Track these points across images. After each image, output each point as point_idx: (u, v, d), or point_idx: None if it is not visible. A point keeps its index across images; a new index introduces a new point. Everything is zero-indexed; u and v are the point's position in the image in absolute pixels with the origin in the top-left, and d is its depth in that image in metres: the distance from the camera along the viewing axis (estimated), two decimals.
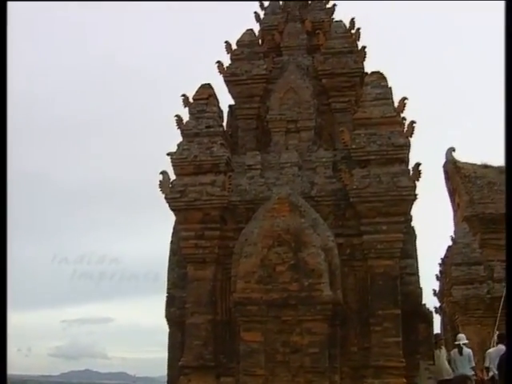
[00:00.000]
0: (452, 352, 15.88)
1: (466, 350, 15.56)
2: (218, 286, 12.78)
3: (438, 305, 24.14)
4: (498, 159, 24.03)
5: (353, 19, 15.42)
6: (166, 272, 13.71)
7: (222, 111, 14.02)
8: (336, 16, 16.06)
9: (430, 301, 22.83)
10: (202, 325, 12.52)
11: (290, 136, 13.76)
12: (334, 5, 16.35)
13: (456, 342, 15.97)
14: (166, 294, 13.54)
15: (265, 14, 16.36)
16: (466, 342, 15.92)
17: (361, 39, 15.18)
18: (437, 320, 23.51)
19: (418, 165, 12.32)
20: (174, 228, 13.66)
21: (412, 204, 12.37)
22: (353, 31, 15.28)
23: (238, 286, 11.96)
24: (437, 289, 24.15)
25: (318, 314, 11.63)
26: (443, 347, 15.73)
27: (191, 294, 12.68)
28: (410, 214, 12.72)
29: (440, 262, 23.53)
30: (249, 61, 15.00)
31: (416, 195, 12.24)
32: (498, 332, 16.61)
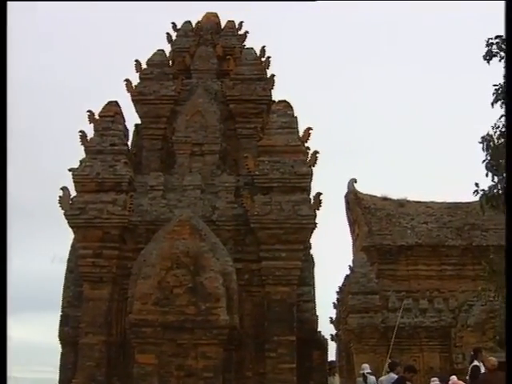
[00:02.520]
0: (357, 380, 16.25)
1: (371, 378, 15.95)
2: (114, 306, 12.59)
3: (334, 332, 24.47)
4: (397, 192, 24.72)
5: (263, 47, 15.66)
6: (62, 290, 13.43)
7: (127, 130, 13.92)
8: (247, 43, 16.26)
9: (327, 328, 23.18)
10: (95, 346, 12.28)
11: (194, 159, 13.77)
12: (246, 32, 16.56)
13: (361, 371, 16.32)
14: (60, 313, 13.25)
15: (177, 36, 16.39)
16: (370, 371, 16.28)
17: (270, 67, 15.43)
18: (332, 347, 23.91)
19: (318, 194, 12.55)
20: (72, 245, 13.41)
21: (312, 232, 12.58)
22: (263, 59, 15.50)
23: (134, 307, 11.80)
24: (333, 316, 24.49)
25: (213, 338, 11.60)
26: (337, 374, 16.03)
27: (86, 314, 12.44)
28: (309, 242, 12.93)
29: (338, 290, 23.89)
30: (158, 81, 14.97)
31: (316, 224, 12.46)
32: (390, 360, 16.98)
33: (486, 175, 9.02)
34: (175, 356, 11.62)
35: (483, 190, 8.89)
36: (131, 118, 14.71)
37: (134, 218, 12.73)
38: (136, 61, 15.24)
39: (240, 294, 12.26)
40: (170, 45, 16.24)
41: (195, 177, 13.28)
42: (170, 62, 15.72)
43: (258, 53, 15.58)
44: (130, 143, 14.04)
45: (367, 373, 16.08)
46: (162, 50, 15.65)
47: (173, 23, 16.52)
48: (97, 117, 13.50)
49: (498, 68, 9.45)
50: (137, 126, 15.09)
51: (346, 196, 24.75)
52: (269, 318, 12.27)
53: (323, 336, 13.57)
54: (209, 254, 11.91)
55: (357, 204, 23.73)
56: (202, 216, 12.67)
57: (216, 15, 16.98)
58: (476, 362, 13.66)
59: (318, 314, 13.13)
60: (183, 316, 11.63)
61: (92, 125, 13.45)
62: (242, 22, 16.70)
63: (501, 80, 9.41)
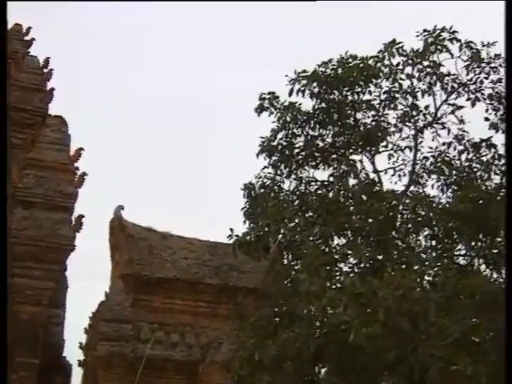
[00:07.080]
0: None
1: None
2: None
3: (83, 358, 23.93)
4: (163, 225, 24.89)
5: (48, 58, 15.21)
6: None
7: None
8: (33, 51, 15.70)
9: (76, 354, 22.61)
10: None
11: None
12: (33, 39, 15.98)
13: None
14: None
15: None
16: None
17: (51, 80, 15.02)
18: (80, 374, 23.34)
19: (80, 216, 12.39)
20: None
21: (69, 254, 12.33)
22: (45, 70, 15.06)
23: None
24: (84, 342, 23.96)
25: None
26: None
27: None
28: (65, 263, 12.65)
29: (91, 315, 23.43)
30: None
31: (74, 246, 12.24)
32: None
33: (244, 222, 9.36)
34: None
35: (237, 235, 9.20)
36: None
37: None
38: None
39: None
40: None
41: None
42: None
43: (42, 63, 15.12)
44: None
45: None
46: None
47: None
48: None
49: (267, 122, 9.86)
50: None
51: (111, 222, 24.52)
52: (14, 338, 11.74)
53: (68, 361, 13.26)
54: None
55: (121, 231, 23.48)
56: None
57: None
58: None
59: (67, 338, 12.85)
60: None
61: None
62: (30, 27, 16.11)
63: (268, 133, 9.82)
